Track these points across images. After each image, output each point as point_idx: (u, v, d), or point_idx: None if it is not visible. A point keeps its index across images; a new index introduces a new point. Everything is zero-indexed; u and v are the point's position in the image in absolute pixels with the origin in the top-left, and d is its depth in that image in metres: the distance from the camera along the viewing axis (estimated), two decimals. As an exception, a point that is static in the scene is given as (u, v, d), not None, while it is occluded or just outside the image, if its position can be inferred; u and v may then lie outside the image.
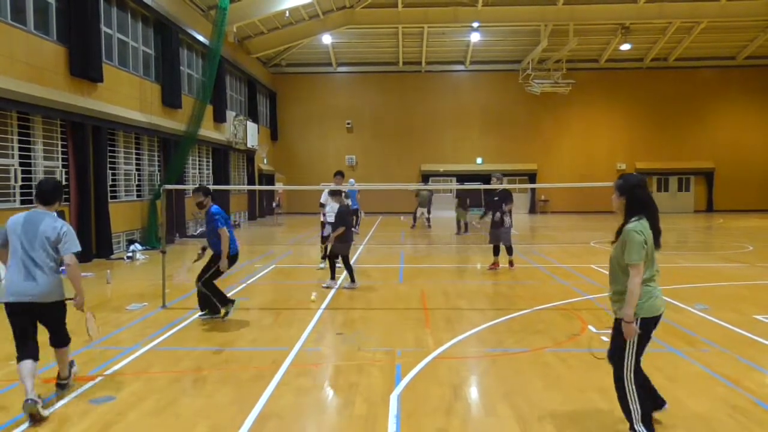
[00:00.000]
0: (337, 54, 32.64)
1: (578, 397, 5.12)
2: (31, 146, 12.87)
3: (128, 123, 16.17)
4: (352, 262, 10.74)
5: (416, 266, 13.41)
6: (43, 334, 5.18)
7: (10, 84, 11.55)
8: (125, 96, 16.29)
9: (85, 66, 13.88)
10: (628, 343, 4.07)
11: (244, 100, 28.91)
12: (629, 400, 4.06)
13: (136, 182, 17.41)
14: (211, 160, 23.84)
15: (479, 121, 33.78)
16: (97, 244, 14.48)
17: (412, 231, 22.57)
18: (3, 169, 12.02)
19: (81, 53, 13.80)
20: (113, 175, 15.93)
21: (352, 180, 21.07)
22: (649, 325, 4.09)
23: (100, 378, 5.66)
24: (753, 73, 33.00)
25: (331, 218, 11.14)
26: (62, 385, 5.27)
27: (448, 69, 33.80)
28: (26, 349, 4.94)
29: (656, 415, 4.45)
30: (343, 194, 10.71)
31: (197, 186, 8.70)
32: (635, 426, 4.04)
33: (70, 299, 5.14)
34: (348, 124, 33.77)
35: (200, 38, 21.31)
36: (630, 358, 4.06)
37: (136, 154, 17.58)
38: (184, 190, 19.63)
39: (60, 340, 5.23)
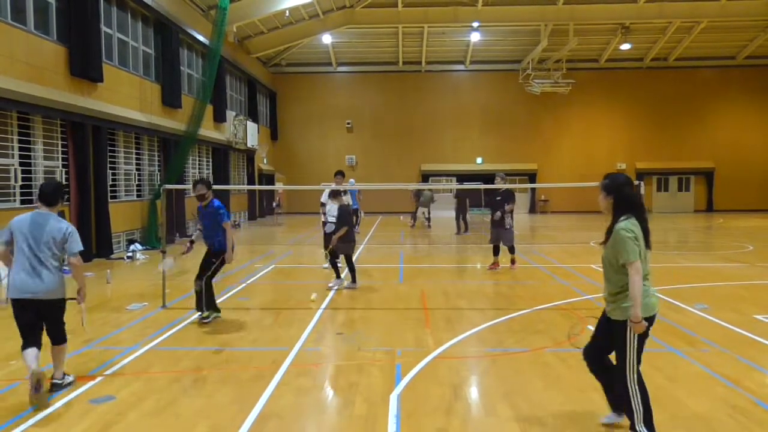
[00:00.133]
0: (337, 54, 32.64)
1: (578, 397, 5.11)
2: (31, 146, 12.87)
3: (128, 123, 16.17)
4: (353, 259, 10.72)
5: (416, 266, 13.41)
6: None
7: (10, 84, 11.55)
8: (125, 96, 16.29)
9: (85, 66, 13.88)
10: (628, 345, 4.05)
11: (244, 100, 28.91)
12: (632, 400, 4.05)
13: (136, 182, 17.41)
14: (211, 160, 23.84)
15: (479, 121, 33.78)
16: (97, 244, 14.48)
17: (412, 231, 22.58)
18: (3, 169, 12.02)
19: (81, 53, 13.80)
20: (113, 175, 15.93)
21: (352, 180, 21.11)
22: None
23: (100, 378, 5.66)
24: (753, 73, 33.01)
25: (331, 217, 11.14)
26: (56, 385, 5.30)
27: (448, 69, 33.80)
28: (30, 339, 5.23)
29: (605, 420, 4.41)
30: (343, 194, 10.68)
31: (199, 178, 8.60)
32: (636, 426, 4.03)
33: (72, 299, 5.38)
34: (348, 124, 33.77)
35: (200, 38, 21.31)
36: (632, 358, 4.05)
37: (136, 154, 17.58)
38: (184, 190, 19.62)
39: (58, 336, 5.39)
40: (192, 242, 8.26)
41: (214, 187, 8.24)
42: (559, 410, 4.80)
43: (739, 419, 4.61)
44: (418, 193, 24.77)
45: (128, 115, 16.13)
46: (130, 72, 16.89)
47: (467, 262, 14.56)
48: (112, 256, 14.72)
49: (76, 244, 5.31)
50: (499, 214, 11.91)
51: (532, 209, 33.55)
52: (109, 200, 15.09)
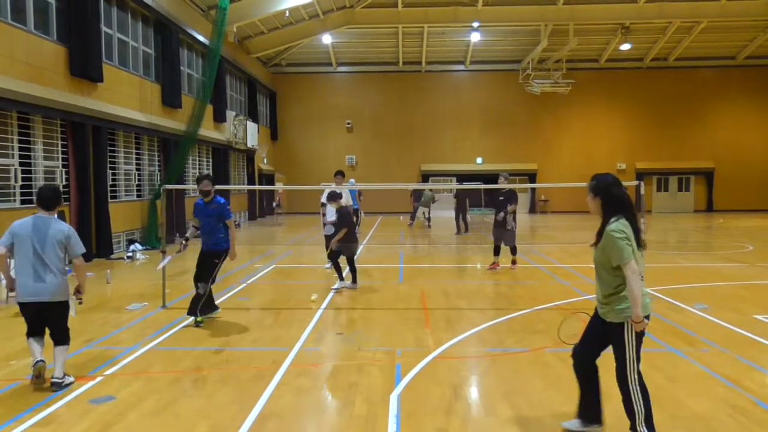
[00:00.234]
0: (337, 54, 32.64)
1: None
2: (31, 146, 12.86)
3: (128, 123, 16.17)
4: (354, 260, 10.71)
5: (416, 266, 13.41)
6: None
7: (10, 84, 11.55)
8: (125, 96, 16.29)
9: (85, 66, 13.88)
10: (626, 346, 4.03)
11: (244, 100, 28.91)
12: (633, 401, 4.04)
13: (136, 182, 17.41)
14: (211, 160, 23.84)
15: (479, 121, 33.78)
16: (97, 244, 14.48)
17: (412, 231, 22.57)
18: (3, 169, 12.02)
19: (81, 53, 13.80)
20: (113, 175, 15.93)
21: (352, 180, 21.08)
22: None
23: (100, 378, 5.66)
24: (753, 73, 33.00)
25: (331, 217, 11.13)
26: (56, 384, 5.31)
27: (448, 69, 33.80)
28: (36, 329, 5.49)
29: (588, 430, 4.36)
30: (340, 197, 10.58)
31: (205, 174, 8.54)
32: (637, 427, 4.02)
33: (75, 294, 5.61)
34: (348, 124, 33.77)
35: (200, 38, 21.31)
36: (631, 359, 4.03)
37: (136, 154, 17.58)
38: (184, 190, 19.64)
39: (61, 336, 5.49)
40: (187, 240, 8.16)
41: (215, 187, 8.19)
42: (559, 410, 4.80)
43: (739, 419, 4.61)
44: (416, 193, 24.76)
45: (128, 115, 16.13)
46: (130, 72, 16.89)
47: (467, 262, 14.56)
48: (112, 256, 14.72)
49: (79, 247, 5.53)
50: (502, 215, 11.91)
51: (532, 209, 33.55)
52: (109, 200, 15.09)
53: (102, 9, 14.92)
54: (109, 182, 15.34)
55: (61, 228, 5.44)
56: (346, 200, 12.04)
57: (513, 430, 4.49)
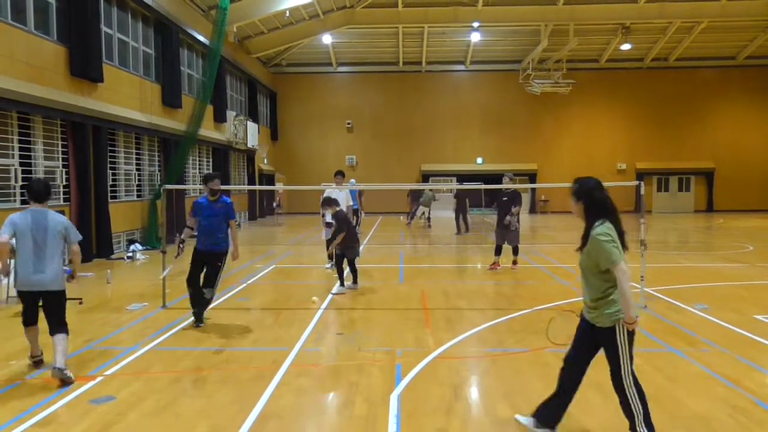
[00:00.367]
0: (337, 54, 32.64)
1: (578, 396, 5.08)
2: (31, 146, 12.87)
3: (128, 123, 16.17)
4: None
5: (416, 266, 13.41)
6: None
7: (10, 84, 11.55)
8: (125, 96, 16.29)
9: (85, 66, 13.88)
10: (620, 348, 4.02)
11: (244, 100, 28.91)
12: (631, 403, 4.04)
13: (137, 182, 17.42)
14: (211, 160, 23.84)
15: (479, 121, 33.78)
16: (97, 244, 14.48)
17: (412, 231, 22.56)
18: (3, 169, 12.03)
19: (81, 53, 13.80)
20: (113, 175, 15.93)
21: (353, 180, 21.10)
22: None
23: (100, 378, 5.66)
24: (753, 73, 33.00)
25: (329, 218, 11.11)
26: (58, 370, 5.38)
27: (448, 69, 33.80)
28: (32, 317, 5.79)
29: None
30: (346, 194, 10.54)
31: (214, 172, 8.45)
32: (637, 427, 4.02)
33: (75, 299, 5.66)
34: (348, 124, 33.77)
35: (200, 38, 21.32)
36: (625, 362, 4.03)
37: (137, 154, 17.58)
38: (185, 190, 19.64)
39: (60, 325, 5.68)
40: (183, 242, 8.04)
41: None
42: (568, 407, 4.78)
43: (739, 419, 4.61)
44: (415, 193, 24.75)
45: (128, 115, 16.13)
46: (130, 72, 16.89)
47: (467, 262, 14.56)
48: (113, 256, 14.72)
49: (76, 235, 5.84)
50: (509, 218, 11.90)
51: (533, 209, 33.53)
52: (110, 200, 15.09)
53: (102, 9, 14.92)
54: (110, 182, 15.35)
55: (60, 219, 5.73)
56: (347, 200, 12.05)
57: (513, 430, 4.48)
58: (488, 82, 33.70)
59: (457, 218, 21.16)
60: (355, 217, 13.13)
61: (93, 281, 11.27)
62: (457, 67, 33.83)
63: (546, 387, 5.37)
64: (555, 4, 27.03)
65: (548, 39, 28.66)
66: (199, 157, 22.74)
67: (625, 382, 4.03)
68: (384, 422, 4.64)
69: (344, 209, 10.73)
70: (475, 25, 27.94)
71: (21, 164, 12.45)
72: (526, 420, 4.44)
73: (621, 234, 4.06)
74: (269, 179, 31.69)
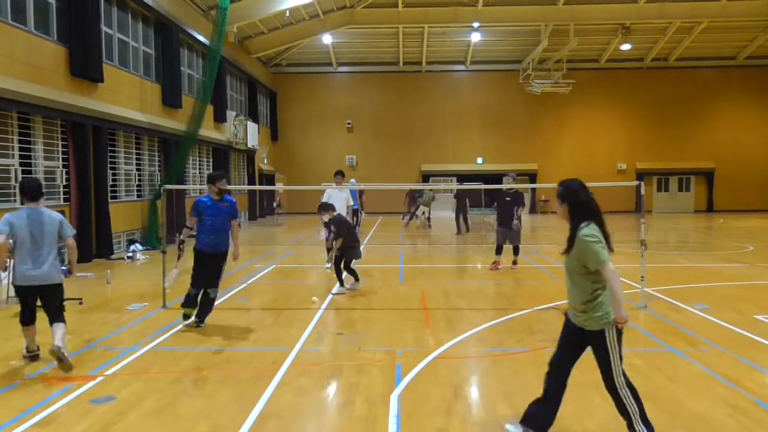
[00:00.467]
0: (337, 54, 32.64)
1: (578, 397, 5.10)
2: (32, 146, 12.87)
3: (128, 123, 16.17)
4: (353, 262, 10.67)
5: (416, 266, 13.41)
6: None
7: (10, 84, 11.55)
8: (125, 96, 16.29)
9: (85, 66, 13.88)
10: (610, 350, 4.01)
11: (244, 100, 28.91)
12: (625, 403, 4.03)
13: (137, 182, 17.42)
14: (211, 160, 23.85)
15: (479, 121, 33.78)
16: (97, 244, 14.48)
17: (412, 231, 22.56)
18: (3, 169, 12.03)
19: (81, 53, 13.80)
20: (113, 175, 15.93)
21: (353, 180, 21.10)
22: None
23: (100, 378, 5.66)
24: (753, 73, 33.00)
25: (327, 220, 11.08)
26: (57, 348, 5.55)
27: (448, 69, 33.80)
28: (29, 315, 5.96)
29: None
30: (347, 194, 10.48)
31: (221, 172, 8.40)
32: (635, 426, 4.02)
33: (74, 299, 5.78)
34: (348, 124, 33.78)
35: (200, 38, 21.32)
36: (616, 363, 4.02)
37: (137, 154, 17.58)
38: (185, 190, 19.64)
39: (58, 316, 5.89)
40: (183, 243, 8.02)
41: None
42: (559, 410, 4.79)
43: (739, 419, 4.61)
44: (413, 194, 24.74)
45: (128, 115, 16.13)
46: (130, 72, 16.89)
47: (467, 262, 14.56)
48: (113, 256, 14.72)
49: (70, 229, 6.09)
50: (516, 222, 11.91)
51: (533, 209, 33.52)
52: (110, 200, 15.10)
53: (102, 9, 14.92)
54: (110, 182, 15.35)
55: (54, 215, 5.97)
56: (347, 200, 12.04)
57: (512, 430, 4.48)
58: (488, 82, 33.70)
59: (457, 218, 21.16)
60: (355, 218, 13.12)
61: (93, 281, 11.27)
62: (457, 67, 33.83)
63: (546, 387, 5.38)
64: (555, 4, 27.03)
65: (548, 39, 28.66)
66: (199, 157, 22.74)
67: (617, 383, 4.02)
68: (384, 422, 4.64)
69: (345, 209, 10.71)
70: (476, 25, 27.94)
71: (21, 164, 12.45)
72: (517, 427, 4.39)
73: (606, 236, 4.05)
74: (269, 179, 31.70)
